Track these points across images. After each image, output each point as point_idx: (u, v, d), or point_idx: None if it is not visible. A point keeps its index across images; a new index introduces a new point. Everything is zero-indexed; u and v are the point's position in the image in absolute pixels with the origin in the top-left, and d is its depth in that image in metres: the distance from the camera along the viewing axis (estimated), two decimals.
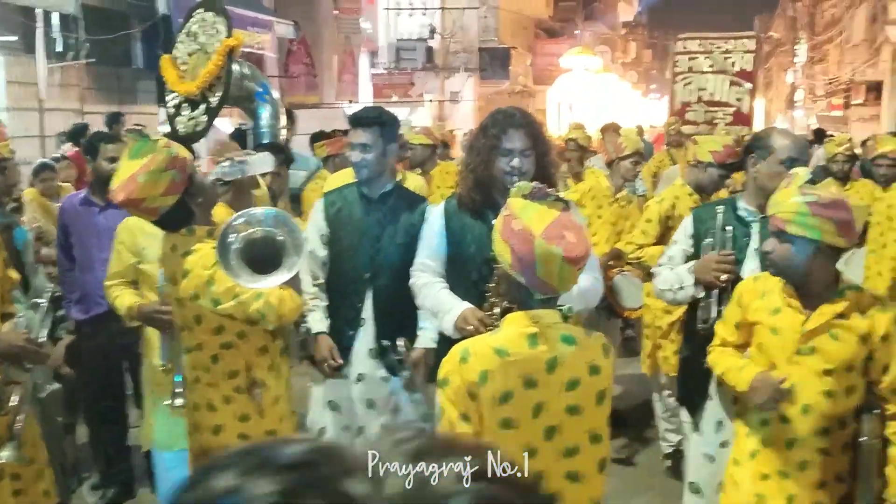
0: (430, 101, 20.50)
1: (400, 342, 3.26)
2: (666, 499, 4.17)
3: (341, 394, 3.47)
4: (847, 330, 2.57)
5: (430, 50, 22.41)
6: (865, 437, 2.58)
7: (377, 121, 3.38)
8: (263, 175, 4.05)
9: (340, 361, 3.37)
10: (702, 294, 3.15)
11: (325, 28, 16.40)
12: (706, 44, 10.42)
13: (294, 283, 2.72)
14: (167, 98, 5.06)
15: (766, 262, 2.65)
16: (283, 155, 4.26)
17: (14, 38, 9.29)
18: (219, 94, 4.69)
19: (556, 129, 16.64)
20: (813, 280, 2.58)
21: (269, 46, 11.79)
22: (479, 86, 25.33)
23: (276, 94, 5.13)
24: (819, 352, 2.59)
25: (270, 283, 2.52)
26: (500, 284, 2.40)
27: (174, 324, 2.83)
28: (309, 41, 15.92)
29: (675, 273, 3.21)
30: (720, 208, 3.24)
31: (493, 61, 24.71)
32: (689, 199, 4.19)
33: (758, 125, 19.14)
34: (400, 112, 18.87)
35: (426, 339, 3.29)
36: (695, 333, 3.25)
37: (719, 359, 2.81)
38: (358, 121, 3.41)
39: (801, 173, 2.58)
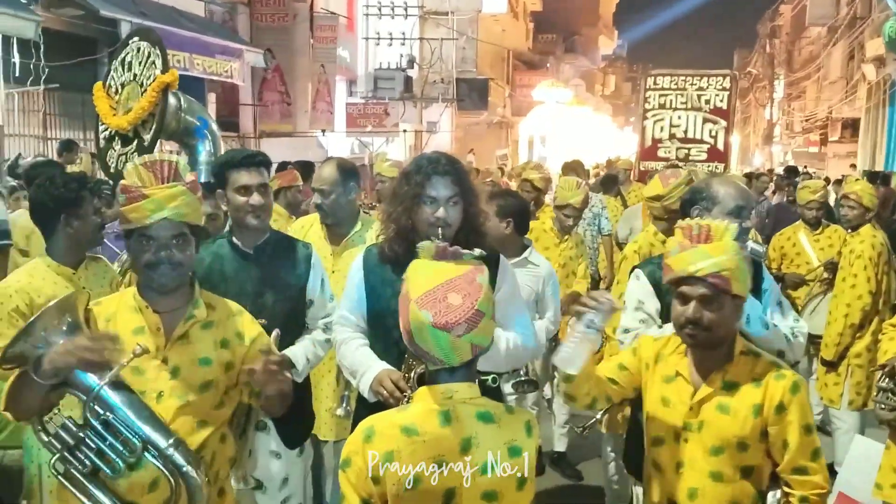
0: (406, 131, 20.40)
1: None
2: None
3: None
4: (738, 401, 2.30)
5: (408, 79, 22.40)
6: None
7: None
8: None
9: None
10: None
11: (301, 56, 16.27)
12: (679, 80, 10.39)
13: None
14: (99, 129, 4.85)
15: (689, 331, 2.31)
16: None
17: None
18: (152, 131, 4.46)
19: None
20: (724, 343, 2.35)
21: (238, 75, 11.62)
22: (457, 116, 25.36)
23: (216, 129, 4.88)
24: (707, 427, 2.32)
25: None
26: None
27: None
28: (284, 69, 15.78)
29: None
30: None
31: (472, 92, 24.82)
32: (662, 247, 4.06)
33: (734, 160, 19.30)
34: (375, 142, 18.92)
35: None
36: None
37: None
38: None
39: (732, 228, 2.36)
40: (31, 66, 9.24)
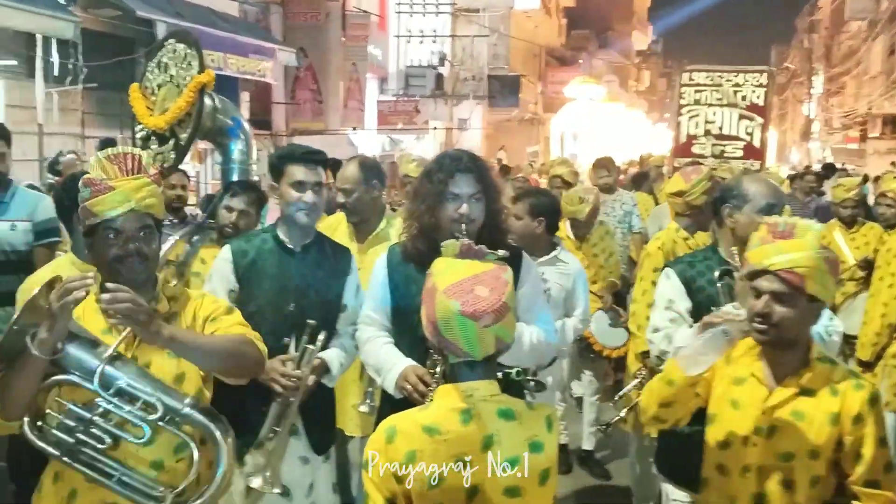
0: (435, 128, 20.44)
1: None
2: None
3: None
4: (814, 408, 2.24)
5: (439, 77, 22.46)
6: None
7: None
8: (231, 211, 3.87)
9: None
10: None
11: (333, 55, 16.39)
12: (714, 76, 10.25)
13: None
14: (136, 129, 4.94)
15: (757, 325, 2.22)
16: (255, 193, 4.07)
17: (14, 63, 9.28)
18: (188, 130, 4.54)
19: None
20: (798, 347, 2.28)
21: (271, 74, 11.76)
22: (488, 113, 25.35)
23: (248, 128, 4.94)
24: (779, 432, 2.27)
25: None
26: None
27: None
28: (316, 68, 15.91)
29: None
30: (705, 262, 3.07)
31: (503, 89, 24.80)
32: (684, 244, 4.05)
33: (771, 157, 19.03)
34: (406, 139, 19.01)
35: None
36: None
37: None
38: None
39: (817, 227, 2.27)
40: (70, 66, 9.45)
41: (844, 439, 2.22)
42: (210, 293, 2.76)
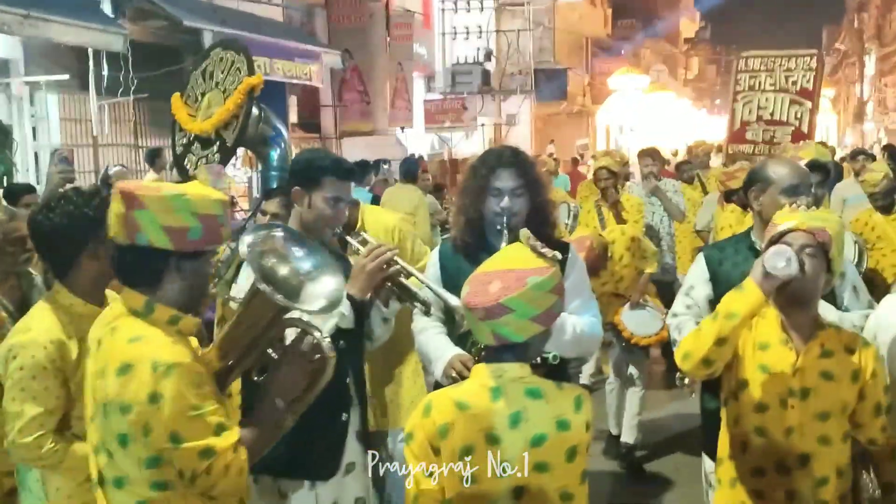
0: (483, 125, 20.38)
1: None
2: None
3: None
4: (837, 367, 2.42)
5: (486, 73, 22.38)
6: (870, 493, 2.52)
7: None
8: (265, 215, 3.83)
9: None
10: None
11: (378, 55, 16.42)
12: (768, 62, 10.17)
13: None
14: (177, 137, 5.00)
15: (786, 287, 2.36)
16: (289, 197, 4.05)
17: (67, 77, 9.53)
18: (234, 133, 4.59)
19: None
20: (811, 310, 2.45)
21: (317, 77, 11.86)
22: (536, 107, 25.16)
23: (287, 137, 4.89)
24: (813, 393, 2.43)
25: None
26: None
27: None
28: (362, 69, 15.97)
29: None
30: (735, 245, 3.13)
31: (550, 82, 24.58)
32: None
33: (827, 139, 18.49)
34: (454, 137, 18.93)
35: None
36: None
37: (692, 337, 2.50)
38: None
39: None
40: (121, 78, 9.65)
41: (865, 393, 2.42)
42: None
